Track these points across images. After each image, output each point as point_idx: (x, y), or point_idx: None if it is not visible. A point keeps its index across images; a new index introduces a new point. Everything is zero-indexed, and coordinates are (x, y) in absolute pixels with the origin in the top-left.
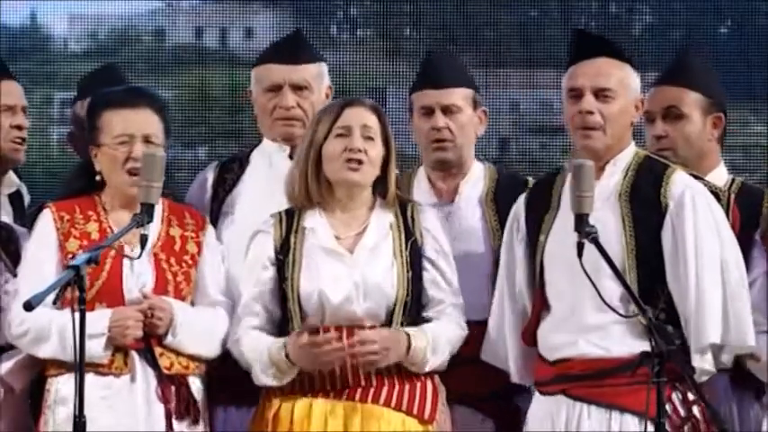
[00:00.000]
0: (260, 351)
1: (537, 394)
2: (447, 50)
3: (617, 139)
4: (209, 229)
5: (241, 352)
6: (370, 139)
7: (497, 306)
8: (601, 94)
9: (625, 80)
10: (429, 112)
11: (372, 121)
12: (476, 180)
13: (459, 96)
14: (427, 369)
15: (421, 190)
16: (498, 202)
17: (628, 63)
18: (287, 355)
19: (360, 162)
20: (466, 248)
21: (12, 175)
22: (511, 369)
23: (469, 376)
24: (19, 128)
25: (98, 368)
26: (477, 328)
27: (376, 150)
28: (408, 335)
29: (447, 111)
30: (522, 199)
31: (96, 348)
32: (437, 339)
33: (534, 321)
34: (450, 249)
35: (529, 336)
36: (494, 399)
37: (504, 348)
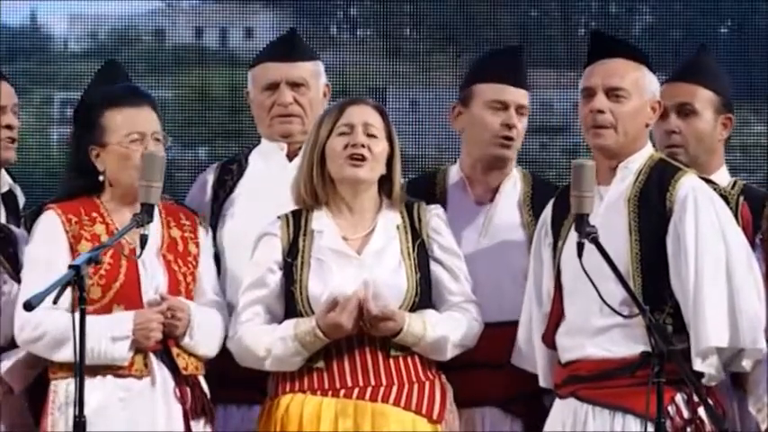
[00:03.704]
0: (276, 334)
1: (556, 398)
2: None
3: (631, 139)
4: (202, 229)
5: (244, 345)
6: (373, 136)
7: (526, 310)
8: (613, 93)
9: (640, 81)
10: (503, 108)
11: (375, 119)
12: (515, 181)
13: (528, 99)
14: (424, 354)
15: (456, 188)
16: (535, 206)
17: (645, 65)
18: (317, 324)
19: (363, 158)
20: (501, 248)
21: (4, 174)
22: (539, 373)
23: (500, 377)
24: (9, 127)
25: (118, 371)
26: (510, 330)
27: (380, 147)
28: (402, 329)
29: (518, 111)
30: (550, 204)
31: (121, 351)
32: (436, 328)
33: (553, 324)
34: (458, 247)
35: (549, 338)
36: (522, 399)
37: (533, 352)
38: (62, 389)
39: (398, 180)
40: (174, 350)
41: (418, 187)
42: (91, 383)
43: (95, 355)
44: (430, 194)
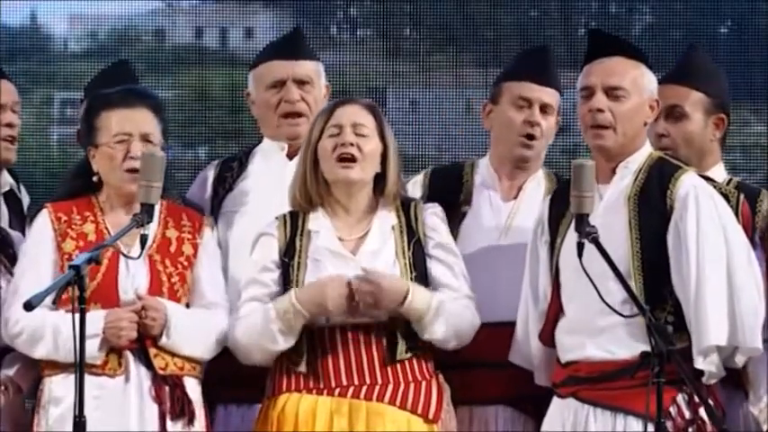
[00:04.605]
0: (260, 318)
1: (554, 397)
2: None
3: (630, 138)
4: (207, 231)
5: (236, 339)
6: (363, 136)
7: (523, 308)
8: (612, 92)
9: (638, 80)
10: (527, 105)
11: (365, 118)
12: (539, 181)
13: (555, 99)
14: (426, 336)
15: (484, 184)
16: None
17: (643, 63)
18: (296, 298)
19: (352, 158)
20: (521, 247)
21: (5, 174)
22: (534, 371)
23: (512, 377)
24: (9, 126)
25: (92, 369)
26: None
27: (370, 146)
28: (409, 290)
29: (543, 110)
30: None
31: (91, 349)
32: (442, 308)
33: (551, 322)
34: (456, 245)
35: (546, 336)
36: (536, 399)
37: (529, 350)
38: (47, 387)
39: (393, 178)
40: (152, 350)
41: (445, 177)
42: (66, 380)
43: (68, 353)
44: (457, 187)
